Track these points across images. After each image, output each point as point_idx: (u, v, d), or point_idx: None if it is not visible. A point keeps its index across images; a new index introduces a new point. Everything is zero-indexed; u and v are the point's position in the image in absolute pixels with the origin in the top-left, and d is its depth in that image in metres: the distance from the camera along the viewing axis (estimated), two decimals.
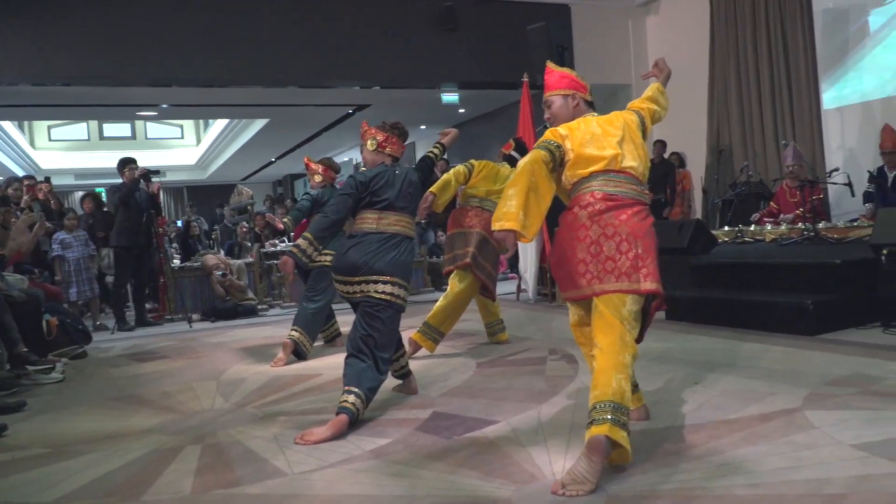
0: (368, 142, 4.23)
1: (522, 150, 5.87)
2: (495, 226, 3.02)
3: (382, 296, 3.91)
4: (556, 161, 3.20)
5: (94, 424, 4.15)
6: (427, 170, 4.48)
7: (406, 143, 4.41)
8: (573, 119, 3.38)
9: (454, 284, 5.61)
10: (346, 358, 3.92)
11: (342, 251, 3.97)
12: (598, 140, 3.21)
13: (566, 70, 3.57)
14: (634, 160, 3.22)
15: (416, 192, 4.28)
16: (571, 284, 3.16)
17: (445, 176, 5.62)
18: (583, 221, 3.10)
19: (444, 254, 5.95)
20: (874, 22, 8.31)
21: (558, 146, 3.20)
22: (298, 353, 5.77)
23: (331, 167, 6.40)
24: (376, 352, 3.89)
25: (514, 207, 2.98)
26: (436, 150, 4.64)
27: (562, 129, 3.27)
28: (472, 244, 5.58)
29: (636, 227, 3.07)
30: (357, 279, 3.91)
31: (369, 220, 4.02)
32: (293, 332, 5.81)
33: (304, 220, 6.23)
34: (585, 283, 3.08)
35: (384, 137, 4.23)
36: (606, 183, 3.14)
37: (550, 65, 3.65)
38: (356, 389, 3.76)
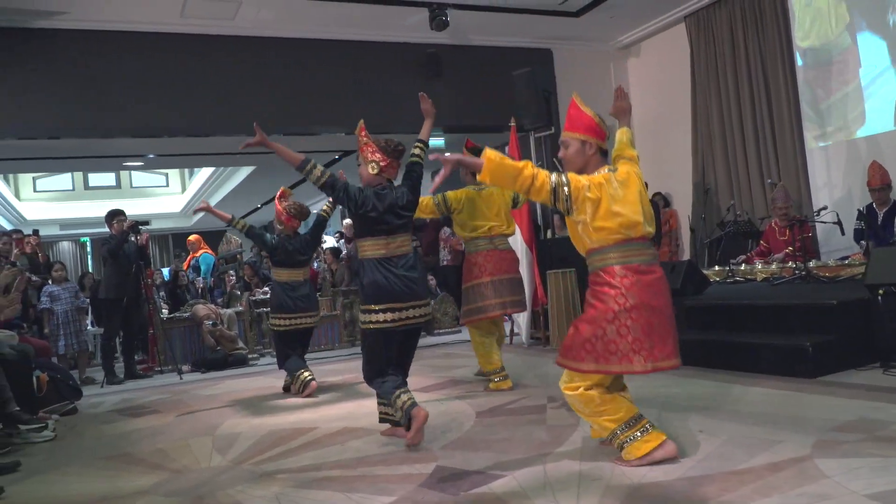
0: (370, 165, 4.34)
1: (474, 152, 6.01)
2: (488, 155, 3.37)
3: (423, 319, 4.40)
4: (556, 201, 3.44)
5: (88, 486, 4.04)
6: (417, 182, 4.56)
7: (400, 163, 4.55)
8: (585, 165, 3.60)
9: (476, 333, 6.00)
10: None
11: (380, 279, 4.20)
12: (619, 203, 3.43)
13: (589, 112, 3.65)
14: (650, 224, 3.51)
15: (412, 211, 4.48)
16: (625, 360, 3.41)
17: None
18: (624, 305, 3.39)
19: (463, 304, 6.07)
20: (855, 61, 8.42)
21: (567, 196, 3.41)
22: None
23: (296, 216, 6.55)
24: None
25: (499, 183, 3.47)
26: (419, 153, 4.67)
27: (591, 192, 3.42)
28: (517, 291, 5.93)
29: (664, 305, 3.46)
30: (414, 306, 4.27)
31: (378, 247, 4.25)
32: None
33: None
34: (639, 365, 3.40)
35: (386, 163, 4.36)
36: (629, 253, 3.44)
37: (577, 99, 3.73)
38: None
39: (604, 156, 3.65)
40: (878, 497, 2.78)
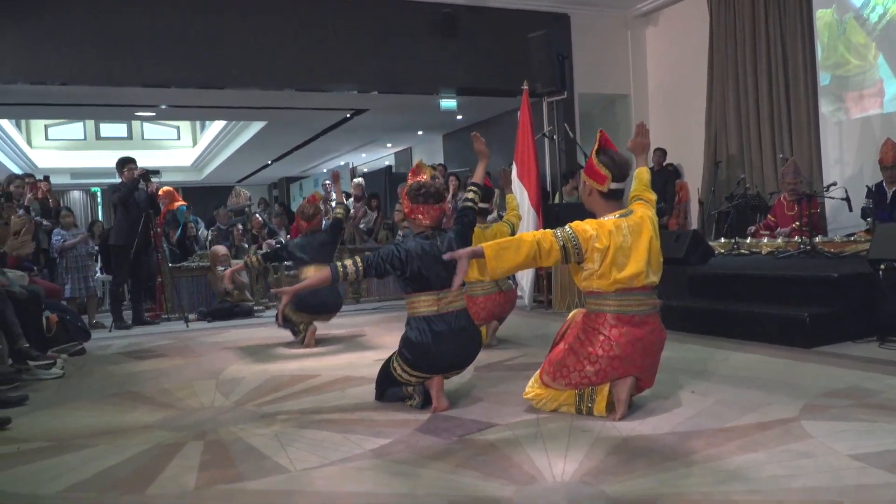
0: (414, 224, 4.08)
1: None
2: (488, 251, 3.38)
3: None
4: (567, 259, 3.51)
5: (95, 419, 4.18)
6: (468, 229, 4.25)
7: (441, 202, 4.08)
8: (591, 206, 3.73)
9: None
10: None
11: (428, 343, 3.89)
12: (626, 253, 3.50)
13: (593, 154, 3.70)
14: (656, 273, 3.58)
15: None
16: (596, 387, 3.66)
17: None
18: (609, 353, 3.53)
19: None
20: (875, 37, 8.39)
21: (577, 248, 3.49)
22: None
23: (313, 215, 6.72)
24: None
25: (507, 265, 3.44)
26: (472, 197, 4.37)
27: (597, 237, 3.48)
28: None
29: (650, 362, 3.64)
30: (456, 371, 4.11)
31: (429, 303, 3.94)
32: None
33: None
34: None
35: (409, 209, 4.05)
36: (626, 303, 3.53)
37: (599, 136, 3.76)
38: None
39: (607, 199, 3.67)
40: (860, 458, 2.87)
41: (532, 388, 3.85)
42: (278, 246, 6.69)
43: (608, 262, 3.48)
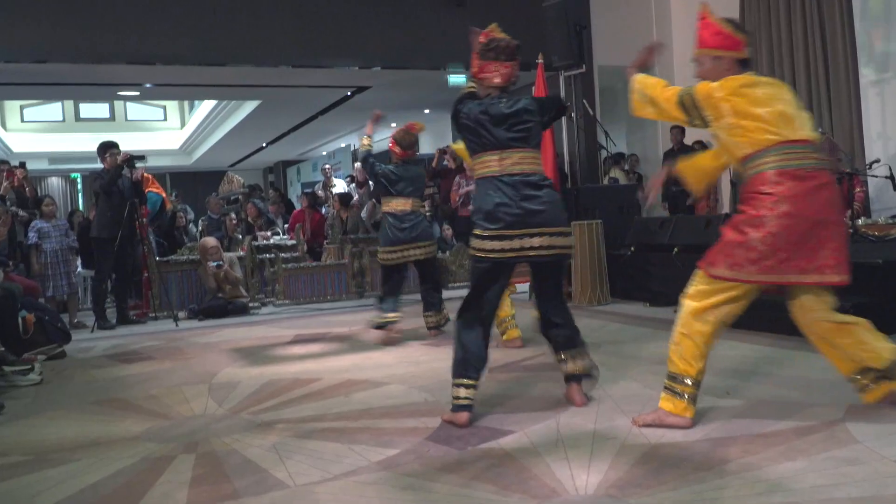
0: (483, 83, 4.04)
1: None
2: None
3: (548, 252, 3.84)
4: (687, 112, 3.52)
5: (77, 430, 4.17)
6: (553, 110, 4.23)
7: (513, 60, 4.00)
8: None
9: None
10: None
11: (497, 199, 3.81)
12: (767, 102, 3.38)
13: (720, 24, 3.61)
14: (806, 127, 3.43)
15: (535, 126, 3.99)
16: (762, 270, 3.37)
17: None
18: (774, 212, 3.28)
19: None
20: None
21: (693, 100, 3.48)
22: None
23: (398, 143, 6.61)
24: None
25: (642, 86, 3.72)
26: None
27: (722, 91, 3.41)
28: None
29: (825, 218, 3.32)
30: (522, 232, 3.80)
31: (491, 163, 3.90)
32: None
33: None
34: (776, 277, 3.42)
35: (478, 67, 4.01)
36: (786, 157, 3.32)
37: (707, 11, 3.68)
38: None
39: (742, 65, 3.54)
40: None
41: (696, 283, 3.53)
42: (372, 161, 6.53)
43: (743, 110, 3.36)
